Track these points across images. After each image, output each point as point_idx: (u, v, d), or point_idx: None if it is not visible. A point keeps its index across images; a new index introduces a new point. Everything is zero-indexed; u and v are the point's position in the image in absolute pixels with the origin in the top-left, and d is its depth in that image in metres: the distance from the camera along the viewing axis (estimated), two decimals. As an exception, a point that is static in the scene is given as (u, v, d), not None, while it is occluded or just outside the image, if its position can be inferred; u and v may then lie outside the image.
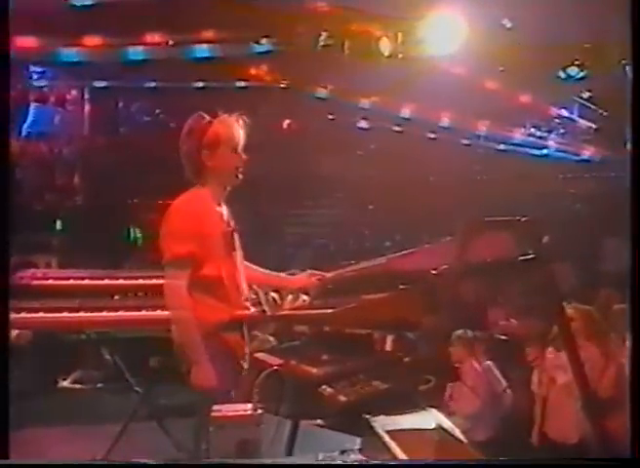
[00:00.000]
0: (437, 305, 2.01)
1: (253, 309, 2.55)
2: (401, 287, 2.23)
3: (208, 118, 2.48)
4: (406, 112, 10.61)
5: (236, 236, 2.55)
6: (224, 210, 2.52)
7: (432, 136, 11.08)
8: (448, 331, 2.06)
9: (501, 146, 11.26)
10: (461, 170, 11.33)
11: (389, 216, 11.45)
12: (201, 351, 2.32)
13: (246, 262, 2.80)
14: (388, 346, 2.66)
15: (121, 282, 3.83)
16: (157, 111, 11.06)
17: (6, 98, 2.16)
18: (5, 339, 2.17)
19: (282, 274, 3.05)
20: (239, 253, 2.55)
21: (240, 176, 2.49)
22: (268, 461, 2.10)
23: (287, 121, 11.57)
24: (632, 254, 1.81)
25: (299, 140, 11.38)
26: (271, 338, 4.67)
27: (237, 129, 2.47)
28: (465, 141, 11.28)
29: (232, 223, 2.53)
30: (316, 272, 2.94)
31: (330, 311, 2.32)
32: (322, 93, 10.16)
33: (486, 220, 2.01)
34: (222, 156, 2.44)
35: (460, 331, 3.52)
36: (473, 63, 7.92)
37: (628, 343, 1.84)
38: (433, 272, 2.01)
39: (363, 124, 11.30)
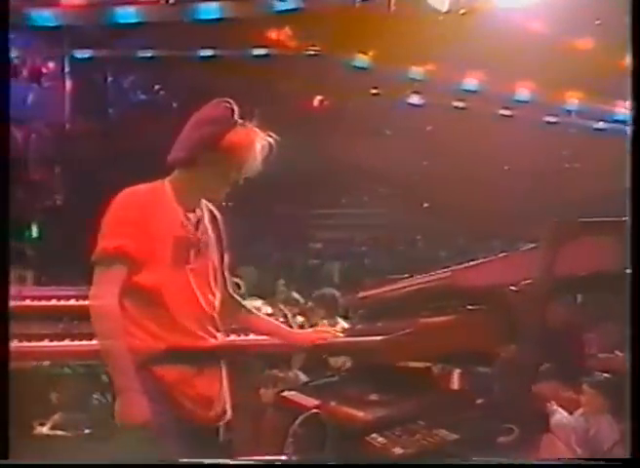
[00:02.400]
0: (517, 331, 2.01)
1: (217, 339, 2.48)
2: (469, 307, 2.23)
3: (237, 115, 2.50)
4: (471, 83, 10.52)
5: (210, 250, 2.51)
6: (194, 216, 2.51)
7: (506, 112, 10.95)
8: (532, 365, 2.03)
9: (599, 124, 11.07)
10: (545, 156, 11.17)
11: (449, 217, 11.41)
12: (128, 376, 2.30)
13: (243, 301, 2.84)
14: (454, 384, 2.65)
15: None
16: (155, 87, 11.24)
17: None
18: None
19: (283, 326, 3.04)
20: (211, 274, 2.51)
21: (223, 197, 2.54)
22: (268, 461, 2.11)
23: (318, 97, 11.64)
24: (632, 254, 1.85)
25: (332, 121, 11.43)
26: (300, 374, 4.71)
27: (258, 149, 2.48)
28: (550, 119, 11.12)
29: (202, 234, 2.51)
30: (327, 329, 2.97)
31: (377, 339, 2.33)
32: (362, 60, 10.19)
33: (580, 222, 2.00)
34: (225, 167, 2.47)
35: (547, 366, 3.46)
36: (558, 17, 7.80)
37: (628, 343, 1.89)
38: (512, 289, 2.00)
39: (415, 99, 11.28)
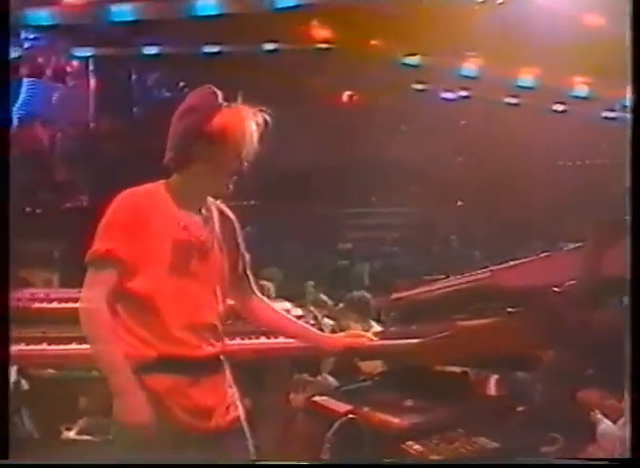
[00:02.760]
0: (560, 336, 1.97)
1: (215, 347, 2.42)
2: (510, 310, 2.19)
3: (220, 98, 2.40)
4: (525, 78, 10.17)
5: (217, 253, 2.45)
6: (199, 218, 2.45)
7: (559, 107, 10.62)
8: (575, 371, 1.99)
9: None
10: (592, 151, 10.94)
11: (485, 216, 11.31)
12: (124, 379, 2.28)
13: (272, 303, 2.78)
14: (493, 390, 2.62)
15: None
16: (181, 84, 11.28)
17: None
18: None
19: (314, 329, 2.97)
20: (216, 278, 2.45)
21: (231, 188, 2.44)
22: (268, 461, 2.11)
23: (347, 92, 11.63)
24: (632, 255, 1.83)
25: (362, 117, 11.40)
26: (331, 378, 4.69)
27: (251, 127, 2.38)
28: (608, 114, 10.73)
29: (206, 236, 2.44)
30: (360, 333, 2.88)
31: (413, 342, 2.31)
32: (412, 59, 9.96)
33: (626, 219, 1.95)
34: (221, 156, 2.38)
35: (591, 372, 3.41)
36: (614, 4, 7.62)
37: (628, 343, 1.86)
38: (555, 290, 1.96)
39: (448, 94, 11.21)
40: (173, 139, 2.45)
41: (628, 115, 2.20)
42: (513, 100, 10.71)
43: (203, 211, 2.48)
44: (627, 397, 1.99)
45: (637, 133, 2.09)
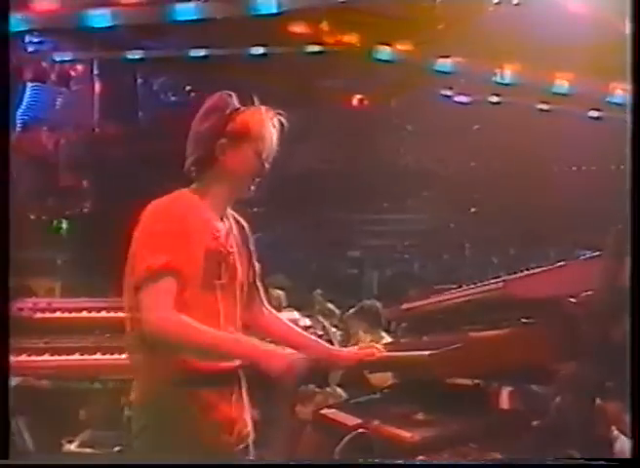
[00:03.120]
0: (577, 347, 1.96)
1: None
2: (524, 320, 2.18)
3: (236, 102, 2.46)
4: (510, 76, 10.20)
5: (238, 263, 2.47)
6: (224, 226, 2.47)
7: (595, 114, 10.47)
8: (593, 385, 1.97)
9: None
10: (609, 155, 10.85)
11: (500, 223, 11.26)
12: (250, 342, 2.35)
13: (280, 315, 2.79)
14: (508, 403, 2.60)
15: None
16: (187, 88, 11.33)
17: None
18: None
19: (324, 343, 2.94)
20: (237, 289, 2.47)
21: (253, 189, 2.47)
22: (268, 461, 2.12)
23: (357, 96, 11.63)
24: (633, 256, 1.82)
25: (373, 121, 11.39)
26: (340, 390, 4.68)
27: (271, 127, 2.45)
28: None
29: (231, 246, 2.46)
30: (372, 345, 2.84)
31: (424, 353, 2.30)
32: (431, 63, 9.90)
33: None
34: (243, 155, 2.43)
35: (609, 386, 3.36)
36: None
37: (628, 342, 1.85)
38: (571, 300, 1.95)
39: (462, 98, 11.17)
40: (194, 142, 2.48)
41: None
42: (541, 106, 10.60)
43: (225, 220, 2.51)
44: (628, 396, 1.99)
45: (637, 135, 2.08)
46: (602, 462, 1.99)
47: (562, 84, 9.95)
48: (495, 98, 10.79)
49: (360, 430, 2.38)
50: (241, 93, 2.53)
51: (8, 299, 2.31)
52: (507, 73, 9.95)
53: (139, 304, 2.30)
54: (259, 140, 2.44)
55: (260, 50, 9.79)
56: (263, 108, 2.47)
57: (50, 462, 1.99)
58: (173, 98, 11.52)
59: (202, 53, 9.98)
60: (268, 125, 2.46)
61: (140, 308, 2.29)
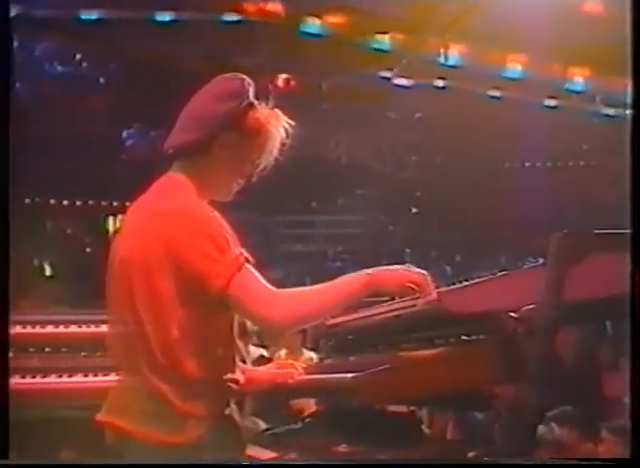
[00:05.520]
0: (520, 367, 2.01)
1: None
2: (463, 338, 2.23)
3: (252, 94, 2.55)
4: (456, 61, 10.39)
5: None
6: None
7: (552, 102, 10.65)
8: (538, 409, 2.03)
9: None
10: (564, 150, 11.08)
11: (442, 226, 11.44)
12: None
13: None
14: (438, 431, 2.65)
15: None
16: (77, 56, 11.04)
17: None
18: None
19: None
20: None
21: (234, 192, 2.61)
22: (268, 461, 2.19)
23: (282, 75, 11.64)
24: (633, 256, 1.91)
25: (297, 105, 11.42)
26: (259, 421, 4.68)
27: (279, 135, 2.56)
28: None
29: None
30: (291, 363, 2.95)
31: (349, 376, 2.32)
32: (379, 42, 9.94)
33: (595, 234, 2.01)
34: (239, 157, 2.54)
35: (557, 412, 3.44)
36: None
37: (628, 344, 1.96)
38: (512, 315, 2.00)
39: (402, 81, 11.33)
40: (197, 121, 2.53)
41: (628, 112, 2.28)
42: (492, 92, 10.82)
43: None
44: (627, 396, 2.07)
45: (637, 132, 2.16)
46: (602, 462, 2.13)
47: (515, 68, 10.19)
48: (440, 83, 10.97)
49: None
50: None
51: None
52: (454, 54, 10.14)
53: (237, 303, 2.41)
54: (264, 147, 2.55)
55: (167, 16, 9.72)
56: (279, 114, 2.57)
57: (50, 462, 1.98)
58: (59, 68, 11.29)
59: (95, 15, 9.85)
60: (280, 131, 2.56)
61: (241, 306, 2.41)
